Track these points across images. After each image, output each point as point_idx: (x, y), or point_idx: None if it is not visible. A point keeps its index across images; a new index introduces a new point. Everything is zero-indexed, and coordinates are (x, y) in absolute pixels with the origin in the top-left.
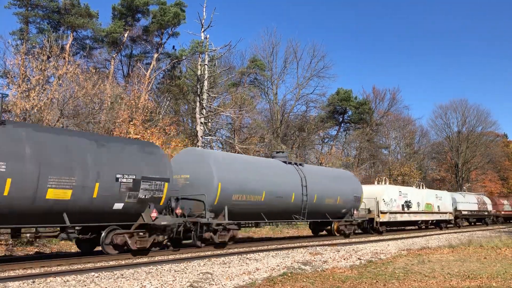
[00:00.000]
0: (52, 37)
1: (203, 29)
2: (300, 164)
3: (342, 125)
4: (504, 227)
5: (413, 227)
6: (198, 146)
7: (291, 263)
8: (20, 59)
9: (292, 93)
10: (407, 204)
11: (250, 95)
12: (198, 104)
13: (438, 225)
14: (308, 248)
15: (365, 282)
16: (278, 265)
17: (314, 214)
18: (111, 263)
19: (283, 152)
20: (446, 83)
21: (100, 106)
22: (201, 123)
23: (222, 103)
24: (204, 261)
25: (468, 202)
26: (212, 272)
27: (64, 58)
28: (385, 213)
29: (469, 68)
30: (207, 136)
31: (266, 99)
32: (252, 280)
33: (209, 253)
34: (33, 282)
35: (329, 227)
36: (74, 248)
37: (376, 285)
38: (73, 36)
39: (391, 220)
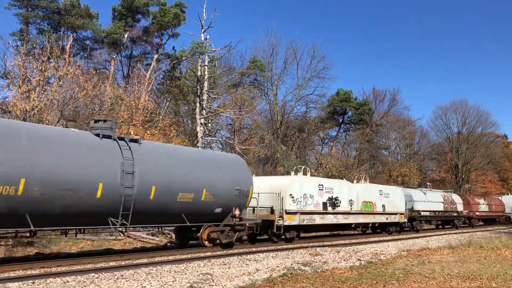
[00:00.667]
0: (53, 38)
1: (203, 30)
2: (134, 140)
3: (342, 125)
4: (475, 230)
5: (350, 232)
6: (198, 147)
7: (291, 264)
8: (20, 60)
9: (292, 94)
10: (333, 202)
11: (250, 96)
12: (198, 104)
13: (386, 229)
14: (308, 249)
15: (365, 283)
16: (278, 266)
17: (153, 216)
18: (111, 263)
19: (105, 120)
20: (446, 83)
21: (100, 107)
22: (201, 123)
23: (222, 103)
24: (204, 262)
25: (430, 200)
26: (212, 272)
27: (65, 59)
28: (294, 213)
29: (469, 69)
30: (207, 137)
31: (266, 100)
32: (252, 281)
33: (209, 253)
34: (33, 283)
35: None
36: (74, 249)
37: (376, 286)
38: (73, 37)
39: (305, 223)
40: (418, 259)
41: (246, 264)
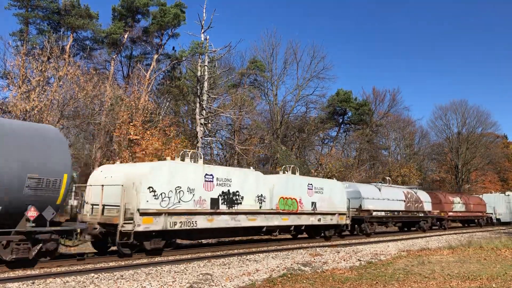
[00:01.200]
0: (52, 38)
1: (203, 30)
2: None
3: (342, 126)
4: (448, 232)
5: (262, 237)
6: (198, 147)
7: (291, 264)
8: (20, 60)
9: (292, 94)
10: (230, 199)
11: (250, 96)
12: (198, 105)
13: (320, 233)
14: (308, 249)
15: (365, 283)
16: (278, 266)
17: None
18: (111, 264)
19: None
20: (446, 84)
21: (100, 107)
22: (201, 124)
23: (222, 104)
24: (204, 262)
25: (387, 198)
26: (212, 273)
27: (64, 59)
28: (156, 214)
29: (469, 69)
30: (207, 137)
31: (266, 100)
32: (252, 281)
33: (209, 254)
34: (33, 283)
35: None
36: (74, 249)
37: (376, 286)
38: (73, 37)
39: (178, 227)
40: (418, 259)
41: (246, 265)
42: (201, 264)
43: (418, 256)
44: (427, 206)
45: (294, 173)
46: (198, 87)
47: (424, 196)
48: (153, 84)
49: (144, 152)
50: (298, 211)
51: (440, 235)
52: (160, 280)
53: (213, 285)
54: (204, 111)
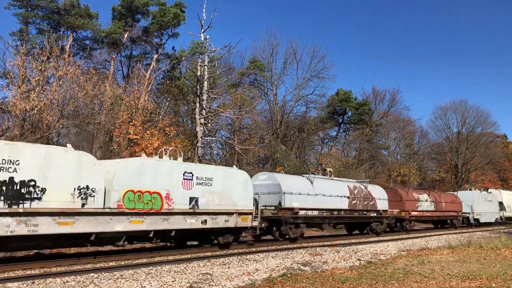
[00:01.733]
0: (52, 37)
1: (203, 30)
2: None
3: (342, 125)
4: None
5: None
6: (198, 147)
7: (291, 264)
8: (20, 60)
9: (291, 94)
10: (12, 191)
11: (250, 96)
12: (198, 104)
13: (212, 239)
14: (307, 248)
15: (365, 283)
16: (277, 266)
17: None
18: (111, 263)
19: None
20: (446, 83)
21: (100, 107)
22: (201, 123)
23: (222, 103)
24: (204, 262)
25: (322, 194)
26: (212, 272)
27: (64, 59)
28: None
29: (469, 69)
30: (207, 136)
31: (266, 100)
32: (252, 280)
33: (209, 253)
34: (33, 283)
35: None
36: (73, 249)
37: (375, 285)
38: (73, 36)
39: None
40: (418, 259)
41: (246, 264)
42: (201, 263)
43: (418, 256)
44: (382, 204)
45: (161, 157)
46: (198, 87)
47: (377, 192)
48: (153, 84)
49: (144, 152)
50: (163, 210)
51: (439, 234)
52: (160, 280)
53: (213, 285)
54: (204, 110)
